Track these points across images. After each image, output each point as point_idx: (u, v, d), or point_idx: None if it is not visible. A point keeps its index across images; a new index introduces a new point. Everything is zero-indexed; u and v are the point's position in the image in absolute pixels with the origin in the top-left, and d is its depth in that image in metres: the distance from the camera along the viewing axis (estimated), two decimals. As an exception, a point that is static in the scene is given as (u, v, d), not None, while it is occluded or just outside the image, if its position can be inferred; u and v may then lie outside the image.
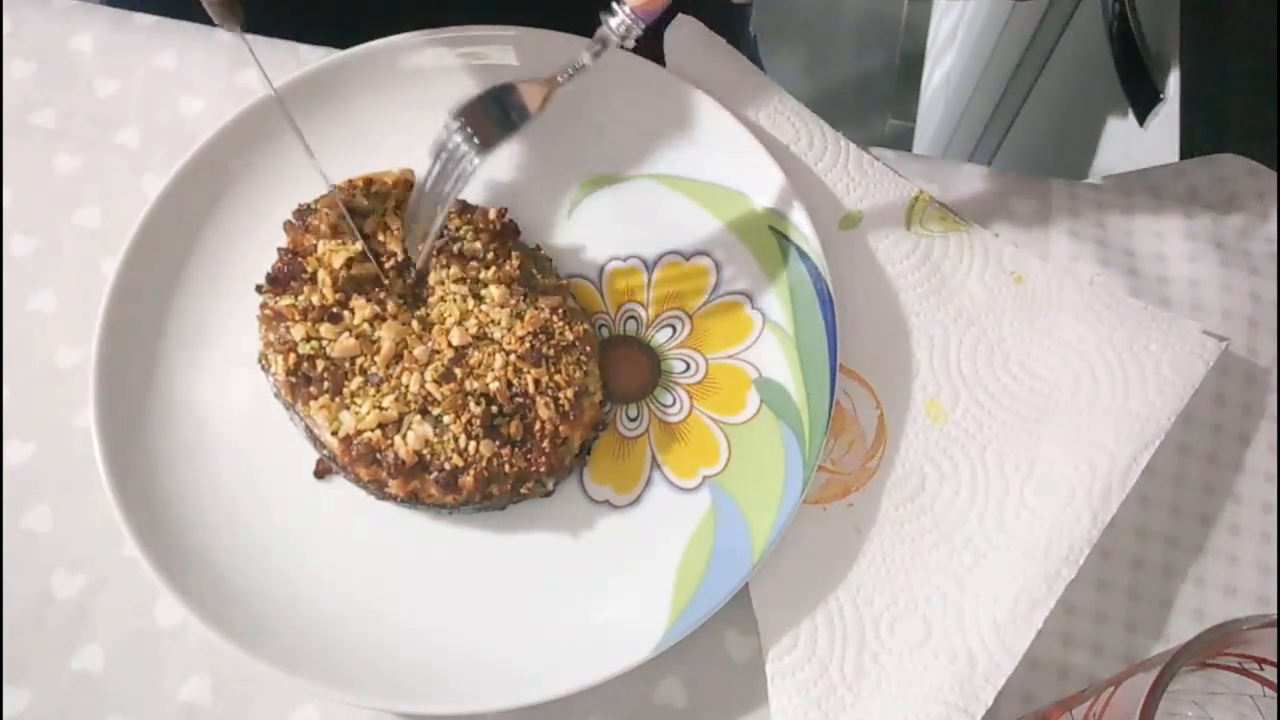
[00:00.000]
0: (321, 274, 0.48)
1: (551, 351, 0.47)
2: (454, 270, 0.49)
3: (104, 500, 0.45)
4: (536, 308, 0.48)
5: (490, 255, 0.49)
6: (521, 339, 0.47)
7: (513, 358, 0.47)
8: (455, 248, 0.49)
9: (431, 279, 0.49)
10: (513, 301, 0.48)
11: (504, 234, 0.50)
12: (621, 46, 0.44)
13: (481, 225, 0.50)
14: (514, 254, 0.49)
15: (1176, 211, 0.53)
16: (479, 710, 0.43)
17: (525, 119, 0.45)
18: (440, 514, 0.47)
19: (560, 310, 0.48)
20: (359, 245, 0.48)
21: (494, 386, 0.46)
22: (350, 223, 0.49)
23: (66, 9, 0.58)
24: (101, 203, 0.54)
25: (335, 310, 0.48)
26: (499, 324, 0.48)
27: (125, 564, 0.47)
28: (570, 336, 0.48)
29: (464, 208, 0.51)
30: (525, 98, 0.46)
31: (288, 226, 0.50)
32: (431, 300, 0.49)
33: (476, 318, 0.48)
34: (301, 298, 0.48)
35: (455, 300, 0.48)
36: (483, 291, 0.49)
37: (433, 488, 0.45)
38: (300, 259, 0.48)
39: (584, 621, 0.46)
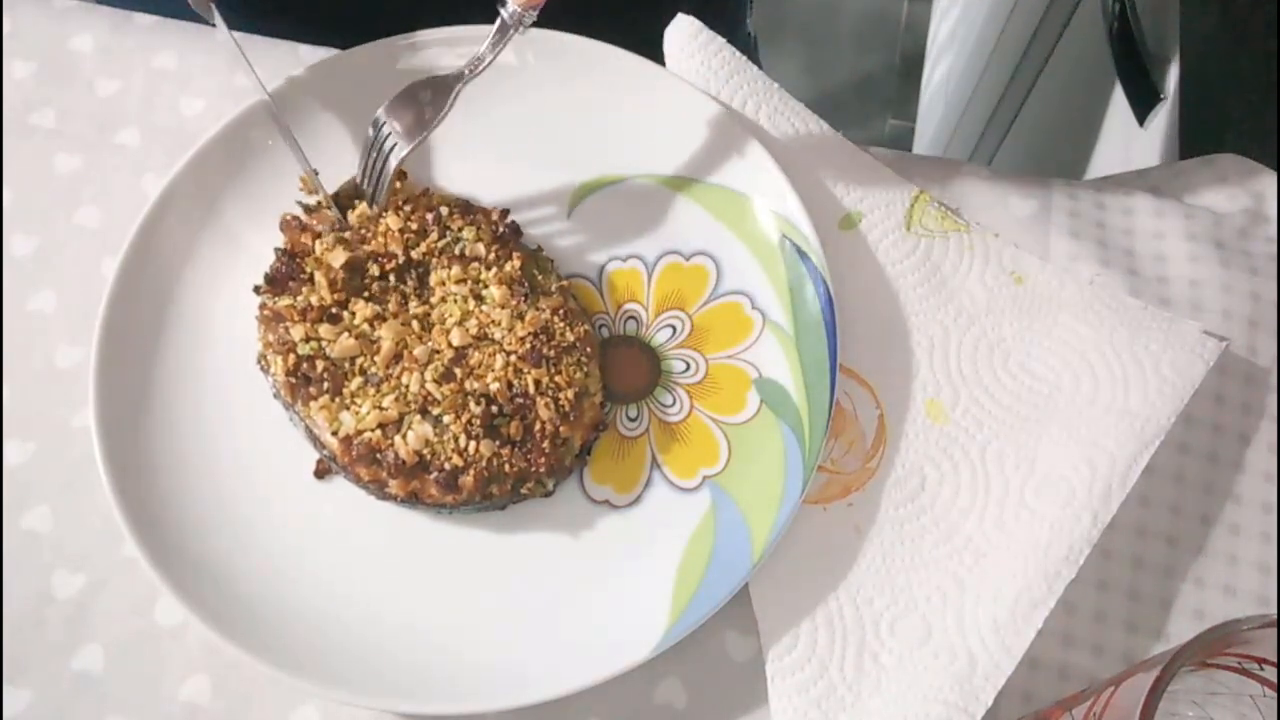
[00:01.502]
0: (319, 275, 0.48)
1: (552, 352, 0.47)
2: (455, 271, 0.49)
3: (104, 500, 0.45)
4: (537, 308, 0.48)
5: (492, 256, 0.49)
6: (522, 339, 0.47)
7: (513, 358, 0.47)
8: (457, 249, 0.49)
9: (432, 279, 0.49)
10: (513, 302, 0.48)
11: (506, 235, 0.50)
12: (517, 33, 0.48)
13: (484, 226, 0.50)
14: (515, 255, 0.49)
15: (1176, 211, 0.53)
16: (479, 710, 0.43)
17: (438, 115, 0.49)
18: (440, 514, 0.47)
19: (561, 311, 0.48)
20: (353, 226, 0.49)
21: (494, 387, 0.46)
22: (335, 209, 0.50)
23: (66, 9, 0.58)
24: (101, 203, 0.54)
25: (334, 311, 0.48)
26: (500, 324, 0.48)
27: (125, 564, 0.47)
28: (571, 337, 0.48)
29: (467, 208, 0.51)
30: (437, 94, 0.49)
31: (286, 225, 0.50)
32: (433, 300, 0.49)
33: (477, 318, 0.48)
34: (300, 298, 0.48)
35: (456, 301, 0.48)
36: (484, 292, 0.49)
37: (433, 488, 0.45)
38: (298, 260, 0.49)
39: (584, 621, 0.46)
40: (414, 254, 0.49)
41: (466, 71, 0.49)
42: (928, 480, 0.48)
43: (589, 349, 0.48)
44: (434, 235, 0.49)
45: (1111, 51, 0.71)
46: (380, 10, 0.56)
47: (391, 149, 0.49)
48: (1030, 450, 0.48)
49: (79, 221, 0.54)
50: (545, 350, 0.47)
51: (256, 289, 0.49)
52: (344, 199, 0.51)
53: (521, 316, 0.48)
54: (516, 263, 0.49)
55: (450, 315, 0.48)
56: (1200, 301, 0.51)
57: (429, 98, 0.49)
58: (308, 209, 0.50)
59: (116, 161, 0.55)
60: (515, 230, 0.51)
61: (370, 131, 0.49)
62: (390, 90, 0.53)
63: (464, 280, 0.49)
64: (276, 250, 0.49)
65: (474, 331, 0.48)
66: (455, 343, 0.47)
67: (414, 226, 0.50)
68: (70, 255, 0.53)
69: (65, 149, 0.55)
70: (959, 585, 0.46)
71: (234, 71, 0.57)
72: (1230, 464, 0.49)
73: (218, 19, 0.50)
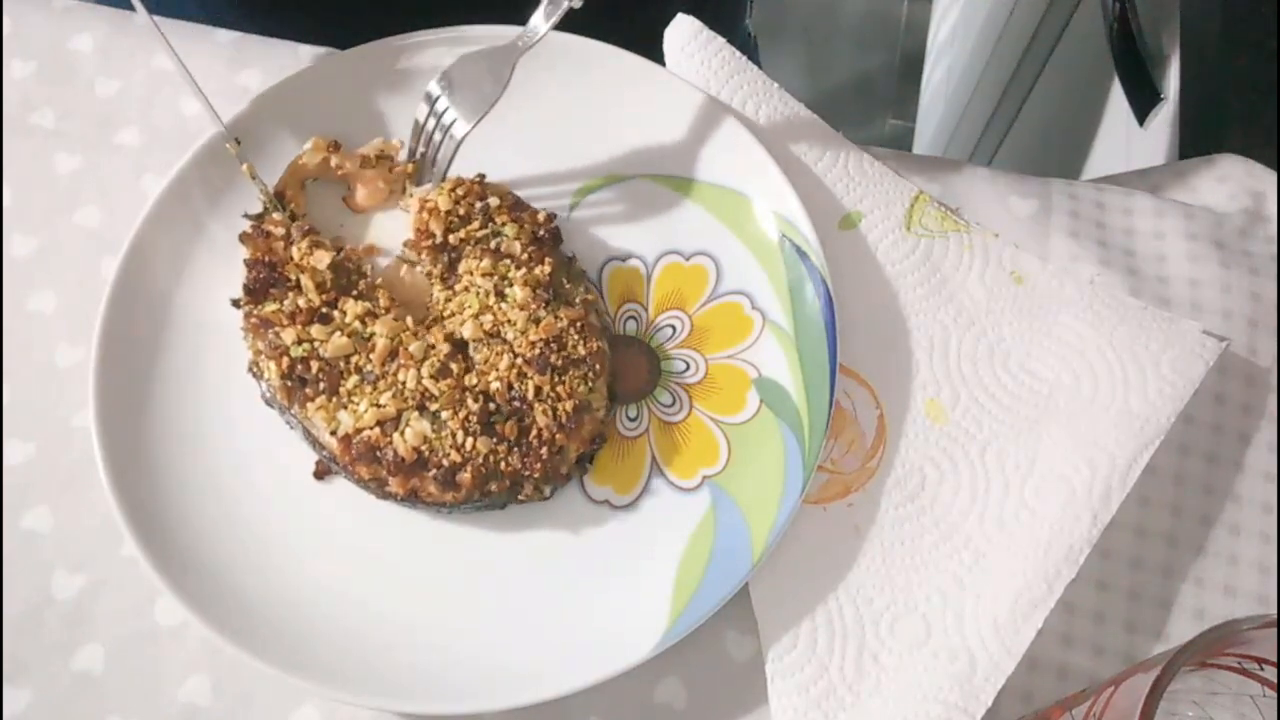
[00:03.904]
0: (305, 279, 0.48)
1: (560, 362, 0.47)
2: (485, 263, 0.48)
3: (104, 500, 0.45)
4: (555, 316, 0.48)
5: (525, 257, 0.49)
6: (533, 344, 0.47)
7: (519, 361, 0.47)
8: (493, 242, 0.49)
9: (461, 267, 0.49)
10: (533, 306, 0.48)
11: (544, 239, 0.50)
12: (572, 7, 0.48)
13: (526, 226, 0.49)
14: (547, 260, 0.49)
15: (1176, 211, 0.53)
16: (479, 710, 0.43)
17: (497, 89, 0.48)
18: (440, 513, 0.47)
19: (579, 324, 0.48)
20: (335, 249, 0.49)
21: (495, 386, 0.46)
22: (276, 204, 0.50)
23: (66, 9, 0.58)
24: (101, 203, 0.54)
25: (324, 311, 0.48)
26: (514, 325, 0.47)
27: (125, 564, 0.47)
28: (582, 351, 0.47)
29: (516, 204, 0.50)
30: (494, 67, 0.49)
31: (247, 239, 0.49)
32: (456, 287, 0.49)
33: (494, 314, 0.48)
34: (287, 302, 0.48)
35: (478, 294, 0.48)
36: (507, 290, 0.48)
37: (432, 485, 0.45)
38: (278, 268, 0.48)
39: (584, 621, 0.46)
40: (451, 238, 0.49)
41: (520, 43, 0.49)
42: (928, 480, 0.48)
43: (598, 365, 0.48)
44: (476, 224, 0.49)
45: (1111, 51, 0.71)
46: (380, 10, 0.55)
47: (452, 124, 0.49)
48: (1030, 450, 0.48)
49: (79, 221, 0.54)
50: (553, 359, 0.47)
51: (234, 302, 0.48)
52: (290, 189, 0.51)
53: (537, 321, 0.47)
54: (546, 268, 0.48)
55: (468, 306, 0.48)
56: (1200, 301, 0.51)
57: (485, 71, 0.49)
58: (258, 216, 0.50)
59: (116, 161, 0.55)
60: (555, 237, 0.50)
61: (423, 106, 0.49)
62: (390, 90, 0.54)
63: (491, 274, 0.48)
64: (247, 261, 0.49)
65: (486, 327, 0.48)
66: (466, 335, 0.47)
67: (460, 211, 0.49)
68: (70, 255, 0.53)
69: (65, 149, 0.55)
70: (959, 585, 0.46)
71: (234, 71, 0.57)
72: (1230, 464, 0.49)
73: (136, 4, 0.49)
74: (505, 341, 0.47)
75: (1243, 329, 0.50)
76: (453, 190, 0.50)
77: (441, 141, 0.49)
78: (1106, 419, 0.47)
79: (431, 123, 0.49)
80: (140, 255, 0.49)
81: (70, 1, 0.58)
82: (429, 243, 0.49)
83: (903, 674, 0.45)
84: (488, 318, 0.48)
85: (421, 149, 0.51)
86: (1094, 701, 0.35)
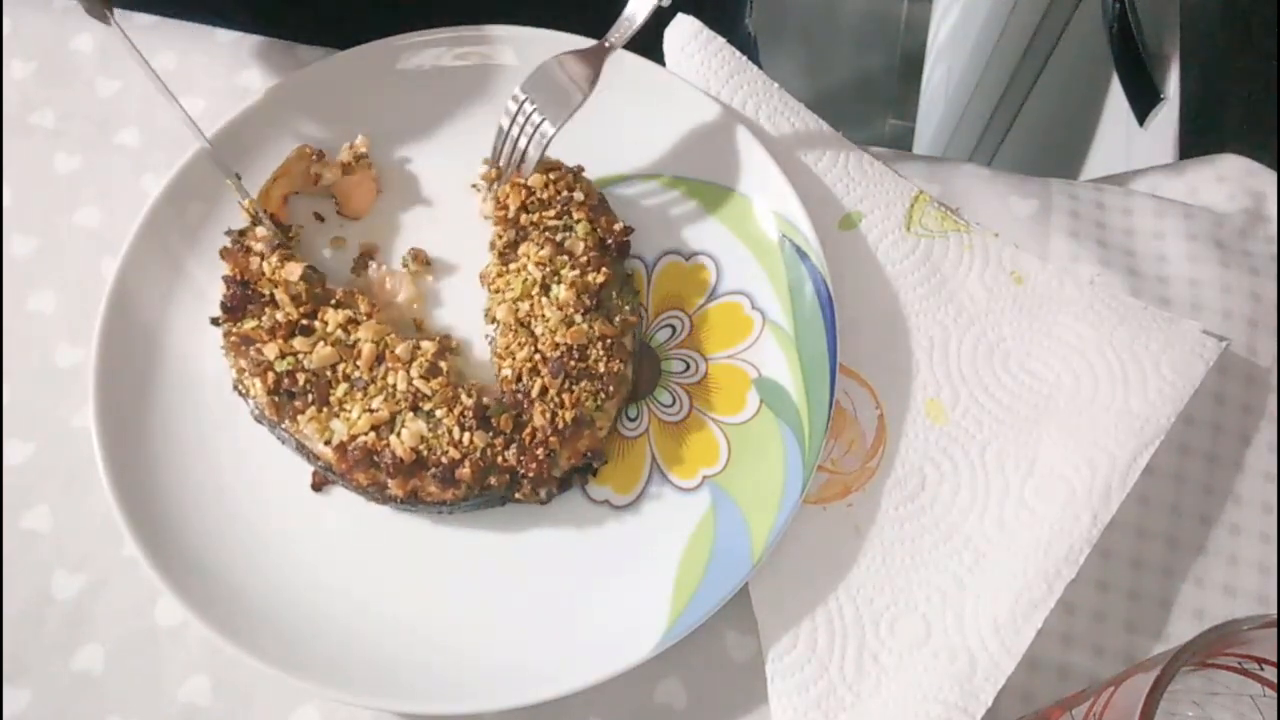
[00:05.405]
0: (279, 293, 0.48)
1: (575, 371, 0.47)
2: (544, 253, 0.48)
3: (104, 500, 0.45)
4: (589, 326, 0.47)
5: (585, 259, 0.49)
6: (556, 345, 0.47)
7: (536, 357, 0.47)
8: (560, 237, 0.49)
9: (521, 249, 0.49)
10: (571, 309, 0.47)
11: (610, 248, 0.49)
12: (661, 5, 0.47)
13: (599, 229, 0.49)
14: (604, 270, 0.48)
15: (1176, 211, 0.53)
16: (479, 710, 0.43)
17: (588, 86, 0.48)
18: (440, 515, 0.47)
19: (609, 340, 0.47)
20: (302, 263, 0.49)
21: (505, 373, 0.46)
22: (263, 217, 0.49)
23: (66, 9, 0.58)
24: (101, 203, 0.54)
25: (305, 323, 0.48)
26: (546, 321, 0.47)
27: (125, 564, 0.47)
28: (602, 368, 0.47)
29: (599, 206, 0.50)
30: (582, 65, 0.49)
31: (228, 254, 0.49)
32: (511, 266, 0.49)
33: (532, 304, 0.48)
34: (266, 318, 0.47)
35: (525, 280, 0.48)
36: (554, 287, 0.48)
37: (432, 485, 0.45)
38: (251, 285, 0.48)
39: (584, 621, 0.46)
40: (523, 218, 0.49)
41: (610, 41, 0.49)
42: (927, 480, 0.48)
43: (612, 387, 0.47)
44: (552, 212, 0.49)
45: (1111, 51, 0.71)
46: (380, 10, 0.55)
47: (539, 124, 0.49)
48: (1030, 450, 0.48)
49: (79, 221, 0.54)
50: (570, 365, 0.46)
51: (214, 320, 0.48)
52: (272, 202, 0.51)
53: (569, 325, 0.47)
54: (600, 277, 0.48)
55: (512, 288, 0.48)
56: (1200, 301, 0.51)
57: (573, 71, 0.49)
58: (241, 232, 0.50)
59: (116, 161, 0.55)
60: (622, 250, 0.50)
61: (510, 105, 0.49)
62: (390, 90, 0.54)
63: (544, 265, 0.48)
64: (224, 279, 0.49)
65: (520, 315, 0.48)
66: (499, 317, 0.48)
67: (543, 196, 0.49)
68: (70, 255, 0.53)
69: (65, 149, 0.55)
70: (959, 585, 0.46)
71: (234, 71, 0.57)
72: (1230, 464, 0.49)
73: (112, 19, 0.49)
74: (532, 334, 0.47)
75: (1243, 329, 0.50)
76: (547, 172, 0.50)
77: (529, 144, 0.49)
78: (1106, 419, 0.47)
79: (516, 128, 0.49)
80: (140, 256, 0.49)
81: (70, 1, 0.58)
82: (502, 213, 0.49)
83: (903, 674, 0.45)
84: (525, 305, 0.48)
85: (508, 151, 0.50)
86: (1094, 701, 0.35)
